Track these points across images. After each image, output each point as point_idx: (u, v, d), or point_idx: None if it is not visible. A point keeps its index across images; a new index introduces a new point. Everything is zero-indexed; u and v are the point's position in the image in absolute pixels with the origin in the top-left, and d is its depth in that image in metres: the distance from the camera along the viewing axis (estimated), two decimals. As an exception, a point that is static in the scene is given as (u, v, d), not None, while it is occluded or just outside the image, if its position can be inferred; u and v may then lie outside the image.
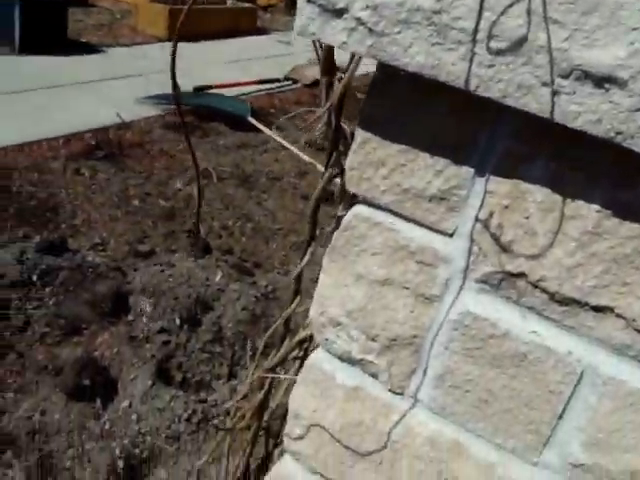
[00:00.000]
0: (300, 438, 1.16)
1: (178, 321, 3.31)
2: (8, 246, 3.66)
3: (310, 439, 1.15)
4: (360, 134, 0.92)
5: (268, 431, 2.02)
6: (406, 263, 0.94)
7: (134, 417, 2.77)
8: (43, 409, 2.79)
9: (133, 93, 6.69)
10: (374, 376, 1.04)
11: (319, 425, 1.12)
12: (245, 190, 5.14)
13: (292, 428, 1.18)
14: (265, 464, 2.16)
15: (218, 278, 3.74)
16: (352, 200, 1.01)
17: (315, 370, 1.11)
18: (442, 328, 0.94)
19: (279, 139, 6.04)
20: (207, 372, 3.13)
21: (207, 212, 4.67)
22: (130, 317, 3.31)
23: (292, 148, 5.83)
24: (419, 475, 1.04)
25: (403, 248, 0.94)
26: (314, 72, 7.95)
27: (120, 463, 2.62)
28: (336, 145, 1.17)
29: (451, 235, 0.90)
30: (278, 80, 8.32)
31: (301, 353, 1.63)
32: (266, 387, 1.63)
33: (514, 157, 0.81)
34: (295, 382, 1.21)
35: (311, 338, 1.55)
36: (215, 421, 2.75)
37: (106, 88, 6.88)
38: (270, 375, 1.50)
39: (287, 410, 1.34)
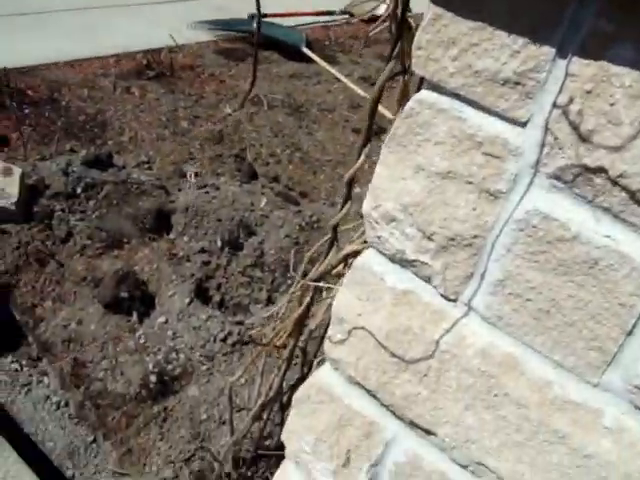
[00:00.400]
0: (342, 344, 1.10)
1: (219, 243, 3.27)
2: (54, 158, 3.64)
3: (352, 345, 1.09)
4: (431, 10, 0.83)
5: (305, 353, 1.98)
6: (471, 155, 0.86)
7: (169, 333, 2.75)
8: (80, 319, 2.79)
9: (186, 17, 6.57)
10: (427, 280, 0.96)
11: (364, 329, 1.05)
12: (295, 119, 5.04)
13: (334, 333, 1.12)
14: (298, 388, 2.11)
15: (263, 204, 3.68)
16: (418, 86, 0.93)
17: (363, 271, 1.04)
18: (506, 228, 0.86)
19: (333, 71, 5.89)
20: (246, 295, 3.09)
21: (255, 139, 4.59)
22: (171, 235, 3.28)
23: (346, 81, 5.68)
24: (467, 390, 0.97)
25: (469, 138, 0.85)
26: (372, 7, 7.73)
27: (152, 378, 2.61)
28: (400, 35, 1.07)
29: (524, 124, 0.80)
30: (335, 13, 8.11)
31: (346, 270, 1.56)
32: (307, 300, 1.56)
33: (601, 37, 0.71)
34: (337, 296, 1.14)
35: (356, 254, 1.48)
36: (252, 337, 2.71)
37: (159, 11, 6.77)
38: (313, 283, 1.43)
39: (325, 332, 1.28)
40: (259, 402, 1.93)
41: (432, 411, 1.02)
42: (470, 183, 0.87)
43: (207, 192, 3.60)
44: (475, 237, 0.89)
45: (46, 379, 2.94)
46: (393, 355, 1.03)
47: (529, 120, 0.80)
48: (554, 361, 0.88)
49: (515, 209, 0.84)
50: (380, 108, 1.20)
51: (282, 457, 2.19)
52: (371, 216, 1.00)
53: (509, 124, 0.82)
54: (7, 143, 3.90)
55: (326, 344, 1.15)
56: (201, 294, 2.95)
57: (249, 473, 2.30)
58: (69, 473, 2.67)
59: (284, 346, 1.77)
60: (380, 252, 1.01)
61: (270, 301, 3.14)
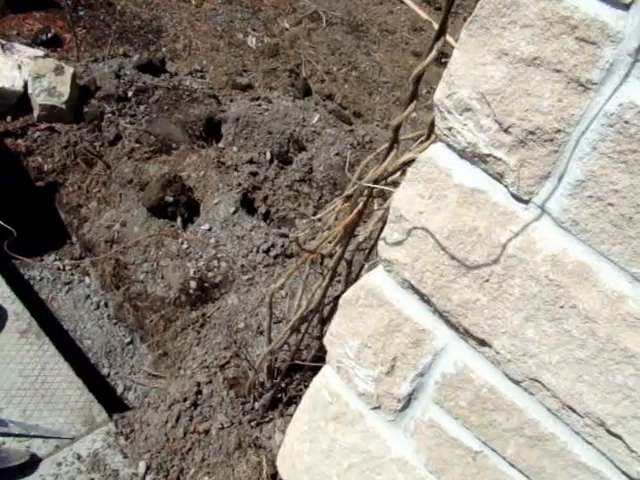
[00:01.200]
0: (398, 244, 1.03)
1: (269, 155, 3.20)
2: (107, 61, 3.58)
3: (410, 246, 1.02)
4: None
5: (350, 265, 1.91)
6: (563, 40, 0.76)
7: (212, 241, 2.71)
8: (124, 221, 2.76)
9: None
10: (498, 177, 0.88)
11: (424, 229, 0.98)
12: (354, 38, 4.89)
13: (391, 232, 1.05)
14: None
15: (315, 120, 3.58)
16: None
17: (428, 166, 0.96)
18: (594, 123, 0.76)
19: (396, -9, 5.69)
20: (292, 210, 3.03)
21: (312, 55, 4.47)
22: (220, 144, 3.22)
23: (409, 2, 5.48)
24: (530, 299, 0.89)
25: (563, 21, 0.75)
26: None
27: (193, 283, 2.59)
28: None
29: (627, 6, 0.71)
30: None
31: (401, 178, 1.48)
32: (360, 206, 1.48)
33: None
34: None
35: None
36: (297, 241, 2.66)
37: None
38: (369, 185, 1.35)
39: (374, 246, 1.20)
40: (299, 313, 1.88)
41: (489, 320, 0.95)
42: (558, 71, 0.78)
43: (259, 105, 3.51)
44: (558, 132, 0.80)
45: (87, 279, 2.95)
46: (453, 258, 0.96)
47: (633, 1, 0.70)
48: (631, 274, 0.80)
49: (607, 102, 0.75)
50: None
51: (318, 369, 2.16)
52: (443, 105, 0.91)
53: (610, 5, 0.72)
54: (60, 44, 3.84)
55: (380, 245, 1.08)
56: (247, 204, 2.89)
57: (283, 384, 2.27)
58: (105, 371, 2.69)
59: (330, 255, 1.71)
60: (449, 146, 0.93)
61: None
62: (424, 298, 1.04)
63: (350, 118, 3.94)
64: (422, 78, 1.21)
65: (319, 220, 1.66)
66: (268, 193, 3.00)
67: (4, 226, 2.20)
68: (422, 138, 1.34)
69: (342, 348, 1.21)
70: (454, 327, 1.02)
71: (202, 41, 4.26)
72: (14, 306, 2.38)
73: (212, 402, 2.28)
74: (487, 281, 0.93)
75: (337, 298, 1.99)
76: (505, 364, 0.97)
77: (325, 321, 2.10)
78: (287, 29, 4.73)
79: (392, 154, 1.32)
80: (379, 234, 1.88)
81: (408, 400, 1.15)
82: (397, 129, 1.31)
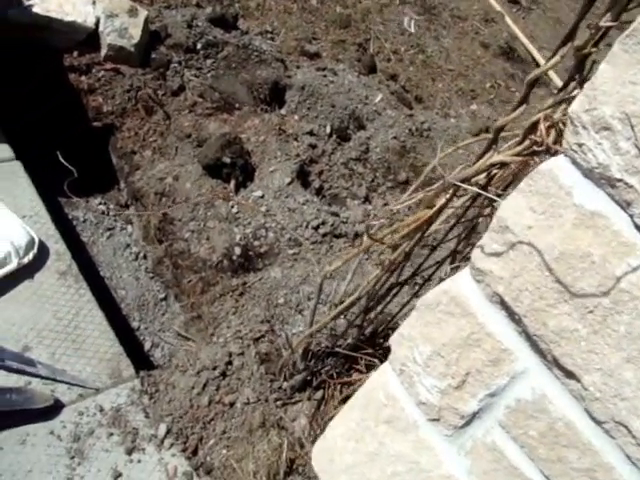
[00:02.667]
0: (497, 255, 0.96)
1: (328, 129, 3.13)
2: (180, 9, 3.51)
3: (510, 260, 0.95)
4: None
5: (408, 258, 1.84)
6: None
7: (263, 209, 2.66)
8: (177, 175, 2.71)
9: None
10: (625, 205, 0.81)
11: (530, 245, 0.91)
12: (425, 21, 4.77)
13: (490, 242, 0.98)
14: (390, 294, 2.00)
15: (378, 100, 3.50)
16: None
17: (547, 180, 0.88)
18: None
19: (474, -22, 5.55)
20: (345, 188, 2.97)
21: (381, 32, 4.37)
22: (282, 111, 3.15)
23: (485, -9, 5.35)
24: (636, 339, 0.82)
25: None
26: None
27: (237, 250, 2.54)
28: None
29: None
30: None
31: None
32: (441, 203, 1.41)
33: None
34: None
35: (502, 165, 1.32)
36: (367, 227, 2.60)
37: None
38: (456, 183, 1.28)
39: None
40: (349, 300, 1.82)
41: (585, 354, 0.89)
42: None
43: (325, 75, 3.44)
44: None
45: (130, 227, 2.91)
46: (558, 281, 0.89)
47: None
48: None
49: None
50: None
51: (352, 359, 2.11)
52: (579, 119, 0.84)
53: None
54: (136, -16, 3.77)
55: (475, 252, 1.02)
56: (302, 177, 2.83)
57: (316, 367, 2.23)
58: (134, 324, 2.66)
59: (395, 247, 1.64)
60: (574, 162, 0.86)
61: (367, 199, 3.01)
62: (514, 317, 0.98)
63: (411, 102, 3.85)
64: (538, 81, 1.13)
65: (392, 212, 1.58)
66: (324, 168, 2.94)
67: (66, 165, 2.16)
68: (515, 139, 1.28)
69: (410, 351, 1.15)
70: (541, 353, 0.96)
71: (275, 2, 4.17)
72: (57, 245, 2.34)
73: (241, 375, 2.24)
74: (591, 312, 0.87)
75: (389, 289, 1.93)
76: (591, 402, 0.91)
77: (368, 311, 2.04)
78: (360, 1, 4.62)
79: (487, 155, 1.25)
80: (447, 233, 1.81)
81: (471, 418, 1.09)
82: (499, 130, 1.24)
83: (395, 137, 3.33)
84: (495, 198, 1.21)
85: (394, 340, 1.20)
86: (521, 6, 5.36)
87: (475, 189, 1.28)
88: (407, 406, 1.18)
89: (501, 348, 1.01)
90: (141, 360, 2.50)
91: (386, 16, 4.58)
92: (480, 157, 1.27)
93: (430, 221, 1.48)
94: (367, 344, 2.19)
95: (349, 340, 2.17)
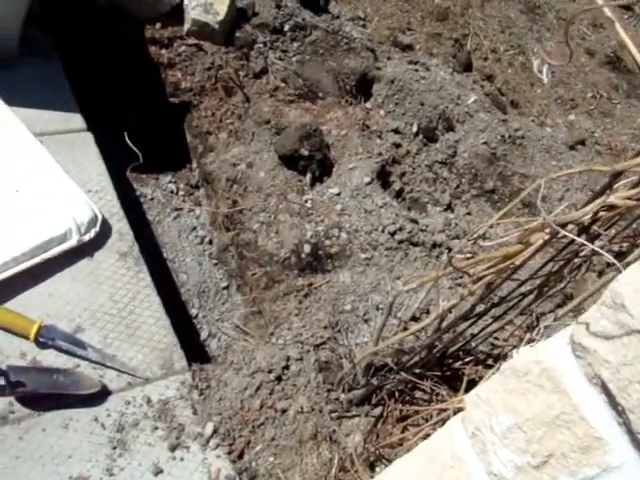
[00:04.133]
0: (605, 335, 0.79)
1: (415, 128, 2.96)
2: (271, -14, 3.37)
3: (622, 344, 0.77)
4: None
5: (490, 290, 1.66)
6: None
7: (338, 207, 2.50)
8: (251, 162, 2.58)
9: None
10: None
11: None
12: (528, 20, 4.52)
13: (599, 317, 0.81)
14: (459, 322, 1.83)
15: (471, 101, 3.31)
16: None
17: None
18: None
19: (583, -21, 5.26)
20: (427, 193, 2.80)
21: (481, 29, 4.15)
22: (368, 104, 2.99)
23: (594, -6, 5.05)
24: None
25: None
26: None
27: (307, 248, 2.40)
28: None
29: None
30: None
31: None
32: (536, 246, 1.24)
33: None
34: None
35: (611, 209, 1.14)
36: (450, 252, 2.43)
37: None
38: (561, 231, 1.10)
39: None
40: (421, 325, 1.66)
41: None
42: None
43: (416, 70, 3.26)
44: None
45: (198, 210, 2.81)
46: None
47: None
48: None
49: None
50: None
51: (417, 376, 1.95)
52: None
53: None
54: (227, -43, 3.65)
55: (578, 326, 0.85)
56: (382, 177, 2.67)
57: (375, 382, 2.08)
58: (193, 311, 2.57)
59: (479, 278, 1.47)
60: None
61: (450, 207, 2.83)
62: (617, 408, 0.81)
63: (506, 106, 3.64)
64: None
65: (475, 238, 1.41)
66: (407, 169, 2.77)
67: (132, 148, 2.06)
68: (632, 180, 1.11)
69: (488, 418, 0.99)
70: (645, 451, 0.79)
71: (371, -13, 4.01)
72: (120, 224, 2.26)
73: (297, 381, 2.11)
74: None
75: (466, 318, 1.76)
76: None
77: (440, 332, 1.88)
78: (460, -7, 4.41)
79: (599, 200, 1.07)
80: (537, 270, 1.62)
81: (547, 502, 0.93)
82: (618, 175, 1.06)
83: (485, 142, 3.13)
84: (607, 256, 1.03)
85: (470, 399, 1.05)
86: (634, 13, 5.05)
87: (580, 240, 1.10)
88: (475, 473, 1.03)
89: (595, 436, 0.84)
90: (196, 349, 2.41)
91: (487, 11, 4.36)
92: (590, 201, 1.09)
93: (523, 261, 1.30)
94: (434, 363, 2.04)
95: (415, 358, 2.02)
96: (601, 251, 1.08)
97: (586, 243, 1.15)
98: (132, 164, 2.11)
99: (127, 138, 2.08)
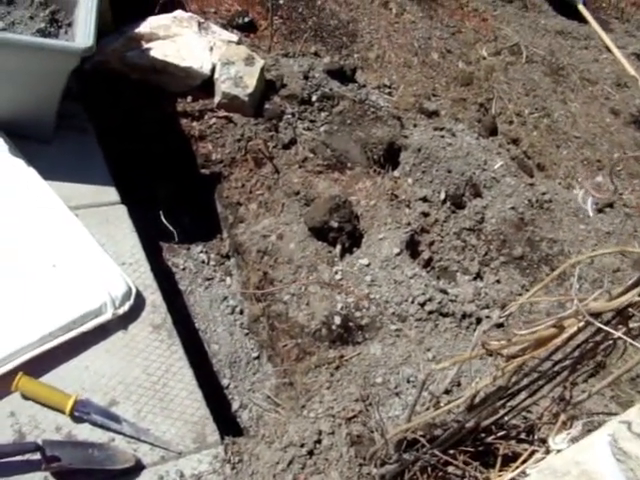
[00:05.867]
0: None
1: (443, 195, 2.98)
2: (297, 58, 3.45)
3: None
4: None
5: (524, 374, 1.65)
6: None
7: (368, 278, 2.52)
8: (281, 234, 2.62)
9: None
10: None
11: None
12: (552, 82, 4.56)
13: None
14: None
15: (497, 166, 3.34)
16: None
17: None
18: None
19: (606, 38, 5.30)
20: (455, 262, 2.81)
21: (505, 92, 4.20)
22: (396, 173, 3.03)
23: (617, 54, 5.10)
24: None
25: None
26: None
27: (337, 319, 2.41)
28: None
29: None
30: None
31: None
32: (573, 329, 1.25)
33: None
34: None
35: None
36: (485, 337, 2.44)
37: None
38: (594, 322, 1.11)
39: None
40: (453, 404, 1.66)
41: None
42: None
43: (442, 136, 3.30)
44: None
45: (228, 280, 2.84)
46: None
47: None
48: None
49: None
50: None
51: (452, 453, 1.94)
52: None
53: None
54: (254, 30, 3.75)
55: (620, 426, 0.85)
56: (411, 247, 2.69)
57: (407, 457, 2.07)
58: (224, 382, 2.58)
59: (512, 357, 1.48)
60: None
61: (479, 276, 2.83)
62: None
63: (532, 170, 3.66)
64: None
65: (507, 315, 1.41)
66: (435, 238, 2.78)
67: (168, 226, 2.11)
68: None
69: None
70: None
71: (396, 54, 4.07)
72: (153, 297, 2.28)
73: (329, 455, 2.11)
74: None
75: (499, 397, 1.76)
76: None
77: (472, 409, 1.88)
78: (484, 58, 4.48)
79: (635, 291, 1.08)
80: (569, 353, 1.62)
81: None
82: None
83: (513, 207, 3.15)
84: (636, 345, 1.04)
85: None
86: (658, 71, 5.08)
87: (617, 333, 1.11)
88: None
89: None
90: (227, 420, 2.41)
91: (511, 75, 4.42)
92: (626, 291, 1.10)
93: (555, 348, 1.30)
94: (467, 437, 2.03)
95: (447, 433, 2.01)
96: (632, 342, 1.08)
97: (623, 337, 1.14)
98: (165, 238, 2.13)
99: (162, 216, 2.12)
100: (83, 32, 2.28)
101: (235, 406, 2.52)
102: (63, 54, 2.25)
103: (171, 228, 2.11)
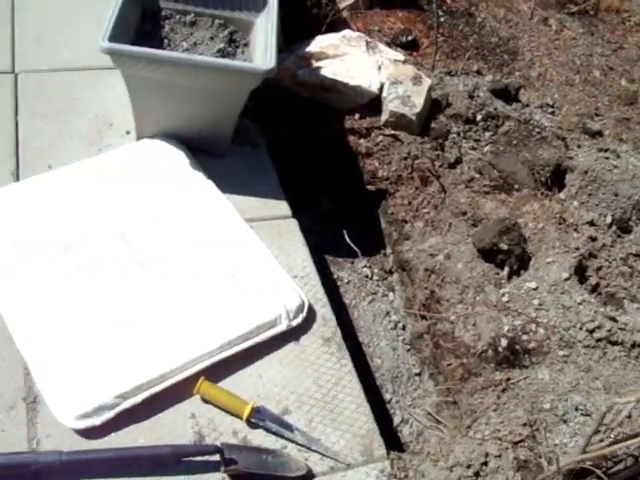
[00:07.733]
0: None
1: (609, 219, 2.93)
2: (461, 77, 3.48)
3: None
4: None
5: None
6: None
7: (535, 302, 2.53)
8: (449, 254, 2.66)
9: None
10: None
11: None
12: None
13: None
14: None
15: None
16: None
17: None
18: None
19: None
20: (622, 288, 2.76)
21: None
22: (562, 195, 3.00)
23: None
24: None
25: None
26: None
27: (503, 341, 2.43)
28: None
29: None
30: None
31: None
32: None
33: None
34: None
35: None
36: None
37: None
38: None
39: None
40: (633, 441, 1.65)
41: None
42: None
43: (607, 157, 3.24)
44: None
45: (391, 295, 2.90)
46: None
47: None
48: None
49: None
50: None
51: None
52: None
53: None
54: (417, 48, 3.80)
55: None
56: (579, 271, 2.67)
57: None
58: (387, 396, 2.63)
59: None
60: None
61: (646, 304, 2.78)
62: None
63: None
64: None
65: None
66: (603, 264, 2.75)
67: (352, 247, 2.18)
68: None
69: None
70: None
71: (557, 72, 4.03)
72: (324, 310, 2.36)
73: (495, 478, 2.12)
74: None
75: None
76: None
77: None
78: (649, 74, 4.35)
79: None
80: None
81: None
82: None
83: (682, 234, 3.06)
84: None
85: None
86: None
87: None
88: None
89: None
90: (389, 434, 2.46)
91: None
92: None
93: None
94: None
95: (620, 466, 2.00)
96: None
97: None
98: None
99: (347, 236, 2.19)
100: (264, 54, 2.38)
101: (397, 421, 2.57)
102: (247, 75, 2.37)
103: (355, 248, 2.17)
